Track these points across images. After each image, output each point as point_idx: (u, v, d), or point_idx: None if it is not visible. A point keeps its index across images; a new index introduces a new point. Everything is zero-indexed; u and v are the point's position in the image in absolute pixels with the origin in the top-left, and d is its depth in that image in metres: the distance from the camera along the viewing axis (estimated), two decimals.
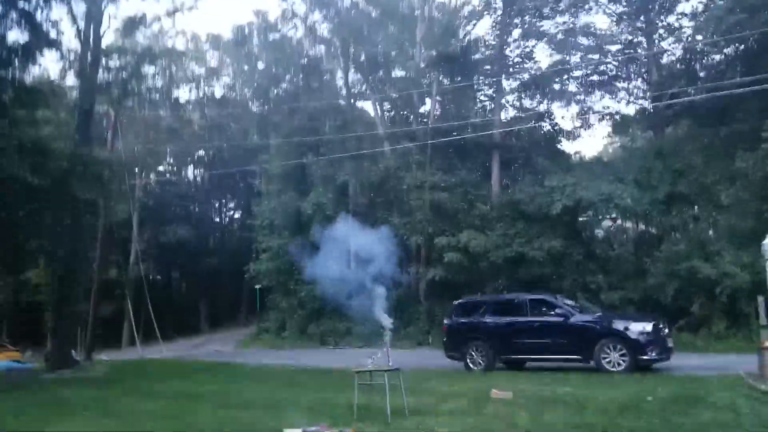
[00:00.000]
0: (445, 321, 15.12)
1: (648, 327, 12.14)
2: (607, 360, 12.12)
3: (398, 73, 30.84)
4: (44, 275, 25.94)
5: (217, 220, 48.83)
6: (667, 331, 12.84)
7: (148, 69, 23.29)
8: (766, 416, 7.14)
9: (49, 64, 45.57)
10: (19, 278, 28.89)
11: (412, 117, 29.67)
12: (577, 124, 29.17)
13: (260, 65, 36.05)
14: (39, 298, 31.89)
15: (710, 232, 20.15)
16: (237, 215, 48.33)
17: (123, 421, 8.82)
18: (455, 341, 14.44)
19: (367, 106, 33.33)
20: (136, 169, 35.23)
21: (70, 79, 22.25)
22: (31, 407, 10.78)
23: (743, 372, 10.47)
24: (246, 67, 37.59)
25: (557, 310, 13.20)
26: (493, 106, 28.36)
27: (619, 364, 11.98)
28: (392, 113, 31.22)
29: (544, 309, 13.45)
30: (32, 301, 32.88)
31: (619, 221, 23.27)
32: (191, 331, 39.79)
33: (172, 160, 45.29)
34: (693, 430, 6.55)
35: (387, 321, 8.57)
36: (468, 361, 13.92)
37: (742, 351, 14.75)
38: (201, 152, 44.96)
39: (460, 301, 15.53)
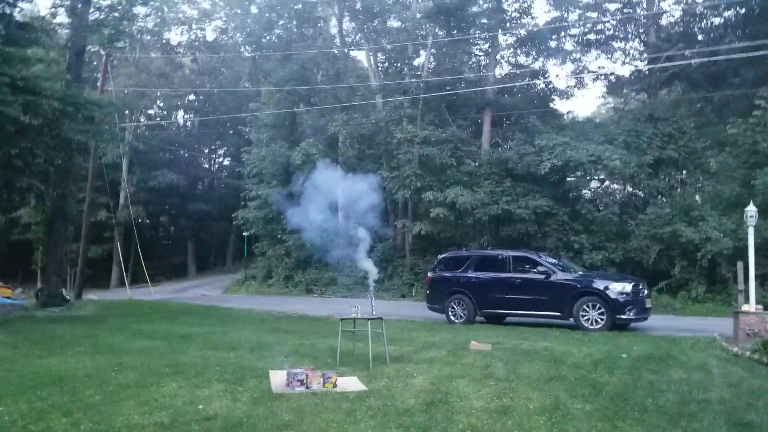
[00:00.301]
0: (429, 274, 15.40)
1: (627, 287, 12.46)
2: (586, 318, 12.46)
3: (393, 23, 30.26)
4: (34, 214, 25.93)
5: (206, 166, 48.62)
6: (646, 292, 13.16)
7: (140, 9, 22.78)
8: (736, 377, 7.42)
9: (39, 1, 44.33)
10: (9, 216, 28.81)
11: (405, 69, 29.28)
12: (572, 83, 29.15)
13: (254, 9, 35.17)
14: (29, 236, 31.93)
15: (696, 197, 20.40)
16: (226, 162, 48.14)
17: (114, 357, 9.01)
18: (438, 294, 14.74)
19: (361, 56, 32.88)
20: (126, 112, 34.77)
21: (61, 18, 21.83)
22: (24, 341, 10.97)
23: (718, 334, 10.84)
24: (239, 11, 36.67)
25: (539, 268, 13.48)
26: (487, 61, 28.02)
27: (597, 322, 12.32)
28: (386, 65, 30.76)
29: (526, 266, 13.74)
30: (22, 239, 32.92)
31: (606, 183, 23.44)
32: (179, 274, 40.19)
33: (162, 104, 44.71)
34: (664, 387, 6.78)
35: (372, 269, 8.73)
36: (449, 313, 14.27)
37: (719, 314, 15.20)
38: (191, 97, 44.37)
39: (444, 255, 15.78)
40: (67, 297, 20.52)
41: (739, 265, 11.60)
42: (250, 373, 7.54)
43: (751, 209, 11.22)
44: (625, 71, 28.64)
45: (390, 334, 8.90)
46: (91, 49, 25.21)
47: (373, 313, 8.43)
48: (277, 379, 6.93)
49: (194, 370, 7.79)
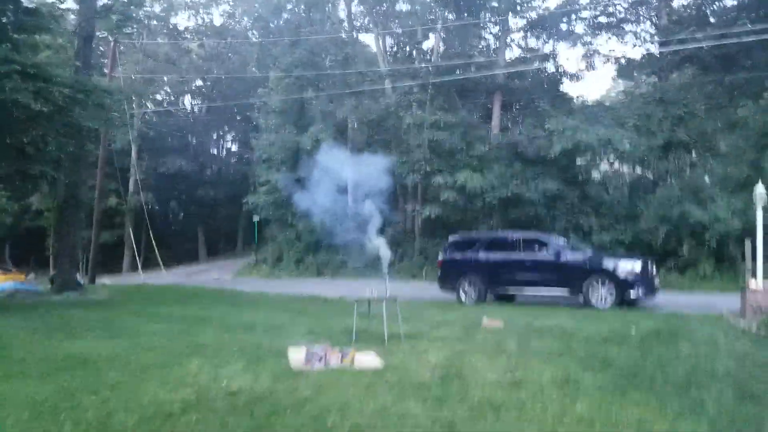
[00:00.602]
0: (440, 256, 15.58)
1: (636, 265, 12.63)
2: (595, 296, 12.64)
3: (403, 6, 30.14)
4: (46, 201, 26.24)
5: (215, 152, 48.78)
6: (654, 270, 13.32)
7: None
8: (743, 351, 7.58)
9: None
10: (21, 204, 29.15)
11: (414, 54, 29.22)
12: (582, 66, 29.01)
13: None
14: (41, 222, 32.30)
15: (705, 179, 20.42)
16: (235, 148, 48.27)
17: (133, 339, 9.18)
18: (449, 275, 14.93)
19: (370, 41, 32.81)
20: (134, 99, 34.94)
21: (69, 4, 21.91)
22: (41, 326, 11.03)
23: (725, 311, 11.00)
24: None
25: (549, 248, 13.65)
26: (497, 45, 27.91)
27: (606, 300, 12.51)
28: (395, 49, 30.71)
29: (536, 247, 13.90)
30: (34, 225, 33.29)
31: (616, 165, 23.46)
32: (190, 259, 40.53)
33: (169, 90, 44.81)
34: (671, 360, 6.94)
35: (384, 246, 8.85)
36: (460, 293, 14.48)
37: (727, 292, 15.31)
38: (199, 83, 44.45)
39: (454, 237, 15.93)
40: (81, 282, 20.81)
41: (747, 243, 11.69)
42: (268, 352, 7.70)
43: (760, 189, 11.30)
44: (636, 54, 28.53)
45: (403, 314, 9.07)
46: (99, 35, 25.30)
47: (388, 293, 8.60)
48: (296, 356, 7.11)
49: (213, 350, 7.94)
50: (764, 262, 11.13)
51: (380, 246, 8.77)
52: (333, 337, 8.73)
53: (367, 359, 6.97)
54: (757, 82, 19.92)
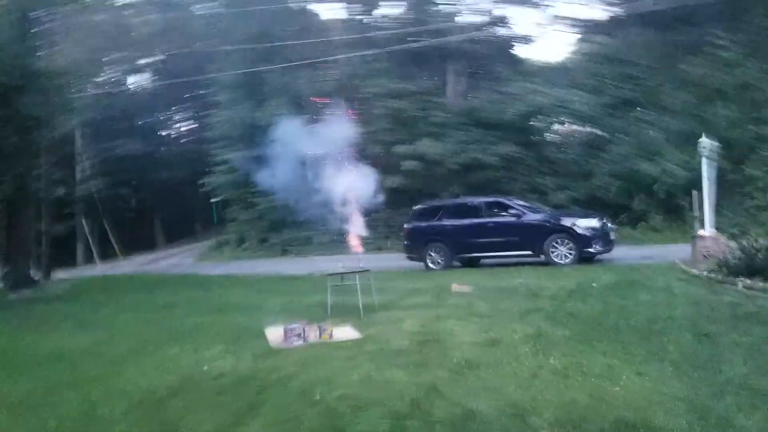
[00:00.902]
0: (405, 225, 15.81)
1: (593, 223, 13.17)
2: (556, 254, 13.13)
3: None
4: None
5: (166, 132, 47.28)
6: (610, 225, 13.87)
7: None
8: (696, 296, 8.08)
9: None
10: None
11: (366, 20, 28.80)
12: (534, 28, 29.26)
13: None
14: None
15: (652, 133, 21.10)
16: (188, 127, 46.90)
17: (103, 331, 9.02)
18: (415, 243, 15.21)
19: (321, 10, 32.11)
20: (75, 81, 33.46)
21: None
22: (5, 325, 10.61)
23: (677, 259, 11.61)
24: None
25: (510, 211, 14.05)
26: (452, 8, 27.78)
27: (566, 257, 13.02)
28: (347, 18, 30.18)
29: (498, 210, 14.27)
30: None
31: (568, 125, 23.97)
32: (147, 246, 39.59)
33: (113, 71, 43.01)
34: (632, 309, 7.37)
35: (359, 223, 8.95)
36: (427, 261, 14.80)
37: (677, 241, 16.09)
38: (145, 60, 42.77)
39: (419, 206, 16.16)
40: (35, 278, 20.12)
41: (695, 194, 12.28)
42: (245, 333, 7.74)
43: (705, 141, 11.87)
44: (587, 14, 28.80)
45: (374, 285, 9.24)
46: (36, 16, 24.04)
47: (360, 264, 8.74)
48: (274, 335, 7.21)
49: (189, 335, 7.91)
50: (711, 212, 11.74)
51: (356, 220, 8.87)
52: (308, 313, 8.83)
53: (345, 332, 7.13)
54: (703, 37, 20.50)
